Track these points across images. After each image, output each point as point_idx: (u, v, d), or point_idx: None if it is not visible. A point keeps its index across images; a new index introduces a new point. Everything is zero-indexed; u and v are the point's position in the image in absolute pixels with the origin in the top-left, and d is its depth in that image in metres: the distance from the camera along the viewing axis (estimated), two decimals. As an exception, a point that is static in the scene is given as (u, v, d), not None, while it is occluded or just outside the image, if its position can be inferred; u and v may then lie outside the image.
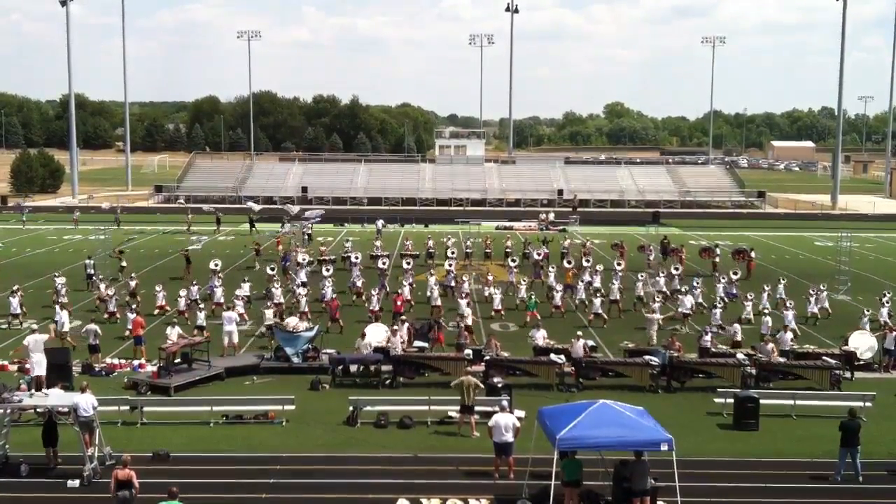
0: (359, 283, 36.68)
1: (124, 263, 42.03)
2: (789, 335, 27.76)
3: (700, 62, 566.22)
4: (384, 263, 38.40)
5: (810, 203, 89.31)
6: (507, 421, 18.18)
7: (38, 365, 22.25)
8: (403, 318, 28.87)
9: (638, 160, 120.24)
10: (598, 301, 32.92)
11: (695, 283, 36.55)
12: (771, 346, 25.69)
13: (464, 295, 32.31)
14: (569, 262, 40.11)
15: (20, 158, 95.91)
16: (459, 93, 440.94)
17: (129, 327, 28.63)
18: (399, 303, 31.63)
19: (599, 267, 38.91)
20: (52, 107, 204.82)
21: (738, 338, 29.12)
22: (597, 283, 36.89)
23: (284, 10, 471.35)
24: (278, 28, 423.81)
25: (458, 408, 21.33)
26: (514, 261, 40.68)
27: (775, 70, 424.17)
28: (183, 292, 33.18)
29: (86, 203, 79.45)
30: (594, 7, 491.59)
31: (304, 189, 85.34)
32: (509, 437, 18.08)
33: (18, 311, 31.43)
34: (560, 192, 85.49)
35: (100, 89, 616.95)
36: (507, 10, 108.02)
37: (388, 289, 35.68)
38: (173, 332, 26.09)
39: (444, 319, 30.56)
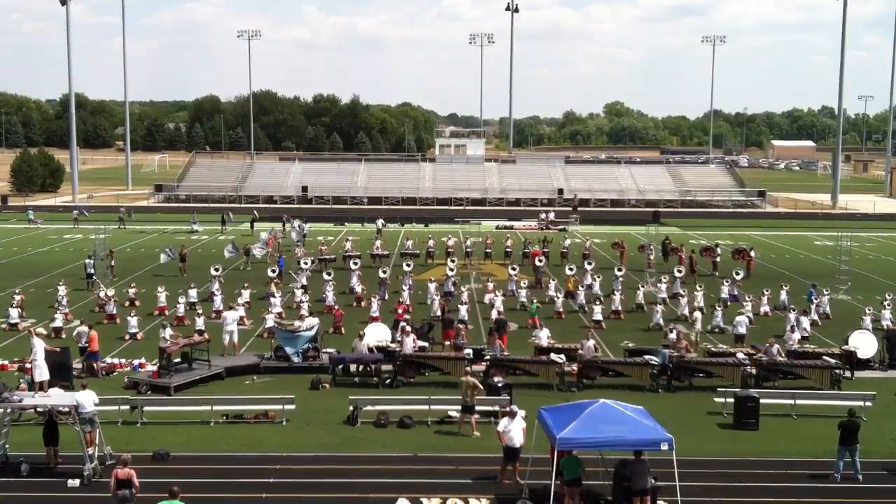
0: (358, 290, 36.70)
1: (113, 263, 41.55)
2: (797, 335, 28.08)
3: (700, 61, 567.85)
4: (385, 272, 38.44)
5: (810, 202, 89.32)
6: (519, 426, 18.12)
7: (40, 370, 22.18)
8: (405, 322, 28.69)
9: (638, 159, 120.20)
10: (598, 308, 32.97)
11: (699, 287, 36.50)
12: (777, 347, 25.68)
13: (463, 302, 32.31)
14: (570, 270, 40.09)
15: (20, 158, 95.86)
16: (459, 92, 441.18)
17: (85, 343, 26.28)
18: (401, 311, 31.67)
19: (598, 277, 38.76)
20: (52, 106, 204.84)
21: (742, 330, 29.16)
22: (596, 289, 36.92)
23: (284, 9, 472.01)
24: (278, 28, 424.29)
25: (458, 407, 21.35)
26: (514, 269, 40.61)
27: (775, 70, 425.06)
28: (182, 299, 33.19)
29: (86, 202, 79.47)
30: (594, 6, 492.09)
31: (304, 188, 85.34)
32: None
33: (16, 320, 31.36)
34: (560, 191, 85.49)
35: (100, 89, 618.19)
36: (507, 9, 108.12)
37: (386, 297, 35.74)
38: (167, 332, 26.07)
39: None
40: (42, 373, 20.20)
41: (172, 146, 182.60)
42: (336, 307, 33.21)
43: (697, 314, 30.65)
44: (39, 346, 21.75)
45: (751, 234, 63.39)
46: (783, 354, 25.74)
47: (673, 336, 26.89)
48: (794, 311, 31.75)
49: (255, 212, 65.19)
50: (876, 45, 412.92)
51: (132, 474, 15.76)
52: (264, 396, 22.71)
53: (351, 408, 21.70)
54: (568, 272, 39.70)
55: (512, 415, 18.26)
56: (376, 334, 27.24)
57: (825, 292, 35.92)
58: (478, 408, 21.13)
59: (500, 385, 22.73)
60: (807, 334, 29.89)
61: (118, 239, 52.85)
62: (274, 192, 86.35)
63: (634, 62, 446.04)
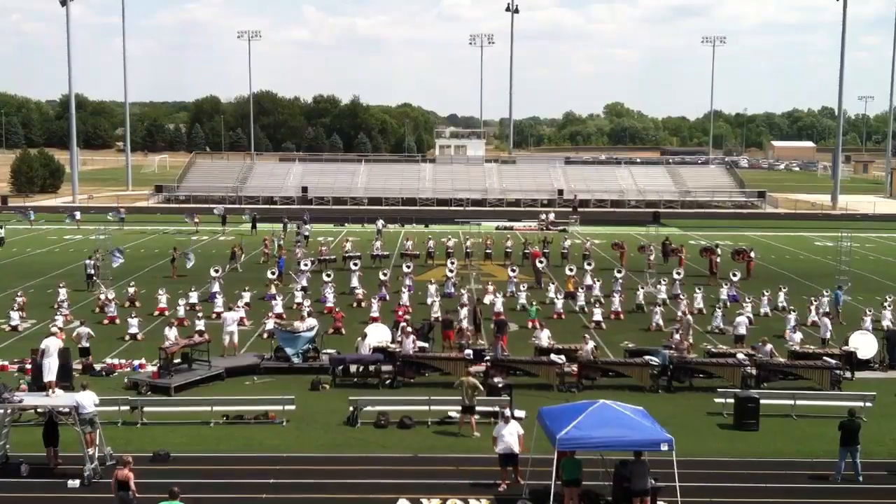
0: (358, 293, 36.69)
1: (98, 264, 40.81)
2: (799, 335, 28.02)
3: (700, 62, 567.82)
4: (385, 274, 38.48)
5: (810, 203, 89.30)
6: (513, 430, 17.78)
7: (48, 370, 22.15)
8: (405, 323, 28.65)
9: (638, 160, 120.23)
10: (598, 310, 32.99)
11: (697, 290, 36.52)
12: (770, 347, 25.69)
13: (463, 304, 32.27)
14: (570, 270, 40.12)
15: (20, 158, 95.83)
16: (459, 93, 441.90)
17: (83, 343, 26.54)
18: (401, 312, 31.69)
19: (598, 280, 38.83)
20: (52, 107, 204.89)
21: (742, 331, 29.15)
22: (596, 291, 36.98)
23: (284, 10, 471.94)
24: (278, 28, 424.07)
25: (458, 408, 21.35)
26: (513, 270, 40.60)
27: (775, 70, 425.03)
28: (182, 300, 33.18)
29: (86, 203, 79.51)
30: (593, 7, 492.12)
31: (305, 189, 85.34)
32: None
33: (17, 322, 31.35)
34: (560, 192, 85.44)
35: (100, 89, 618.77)
36: (507, 10, 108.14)
37: (387, 298, 35.79)
38: (171, 333, 26.11)
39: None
40: (51, 373, 20.21)
41: (172, 147, 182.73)
42: (337, 309, 33.22)
43: (689, 317, 30.62)
44: (50, 343, 21.78)
45: (751, 234, 63.40)
46: (776, 354, 25.74)
47: (677, 337, 26.94)
48: (793, 311, 31.73)
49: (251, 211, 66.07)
50: (876, 45, 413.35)
51: (129, 477, 15.69)
52: (264, 397, 22.71)
53: (351, 408, 21.70)
54: (568, 273, 39.73)
55: (506, 419, 18.05)
56: (377, 335, 27.23)
57: (825, 293, 35.88)
58: (478, 408, 21.12)
59: (500, 385, 22.73)
60: (828, 336, 29.32)
61: (118, 239, 52.79)
62: (274, 192, 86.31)
63: (634, 62, 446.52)
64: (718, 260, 44.43)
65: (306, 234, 54.80)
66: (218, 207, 67.73)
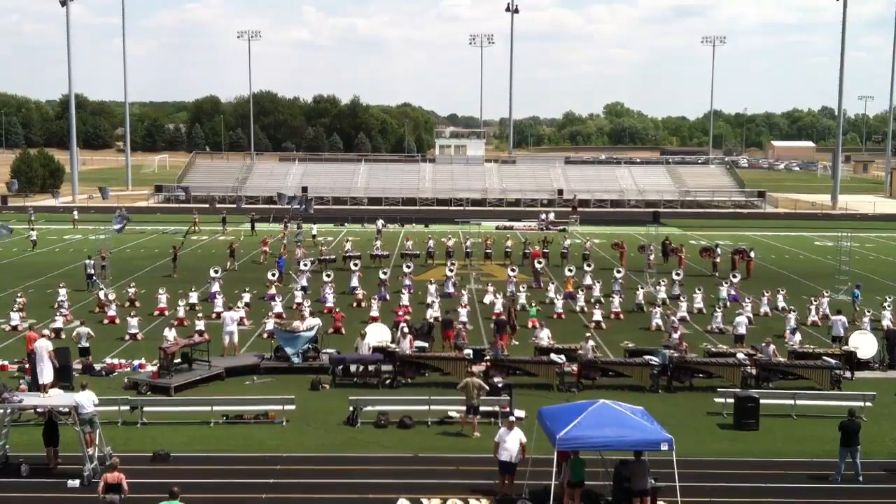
0: (358, 293, 36.67)
1: (105, 264, 40.56)
2: (798, 335, 27.99)
3: (700, 62, 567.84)
4: (385, 273, 38.47)
5: (810, 203, 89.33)
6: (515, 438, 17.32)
7: (43, 372, 22.13)
8: (405, 323, 28.62)
9: (638, 160, 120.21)
10: (598, 311, 33.01)
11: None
12: (773, 347, 25.68)
13: (463, 304, 32.29)
14: (570, 270, 40.12)
15: (20, 158, 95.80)
16: (459, 93, 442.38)
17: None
18: (401, 313, 31.69)
19: (598, 281, 38.85)
20: (52, 107, 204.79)
21: (742, 331, 29.15)
22: (596, 293, 36.97)
23: (284, 10, 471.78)
24: (278, 28, 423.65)
25: (458, 408, 21.36)
26: (513, 270, 40.59)
27: (775, 70, 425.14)
28: (182, 301, 33.15)
29: (85, 203, 79.52)
30: (593, 7, 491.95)
31: (305, 189, 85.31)
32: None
33: (17, 322, 31.33)
34: (560, 191, 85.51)
35: (100, 89, 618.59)
36: (507, 10, 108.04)
37: (388, 297, 35.77)
38: (170, 334, 26.09)
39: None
40: (47, 374, 20.19)
41: (172, 147, 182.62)
42: (337, 310, 33.20)
43: (675, 318, 30.60)
44: (40, 346, 21.77)
45: (750, 234, 63.40)
46: (778, 355, 25.74)
47: (676, 336, 26.91)
48: (793, 311, 31.73)
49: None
50: (876, 45, 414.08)
51: (122, 478, 15.66)
52: (264, 397, 22.71)
53: (351, 408, 21.70)
54: (567, 273, 39.74)
55: (510, 425, 17.57)
56: (377, 334, 27.23)
57: (826, 293, 35.90)
58: (481, 408, 21.10)
59: (500, 385, 22.73)
60: (842, 333, 28.96)
61: (117, 239, 52.77)
62: (274, 192, 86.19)
63: (634, 62, 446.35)
64: (718, 260, 44.49)
65: (314, 233, 55.26)
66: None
